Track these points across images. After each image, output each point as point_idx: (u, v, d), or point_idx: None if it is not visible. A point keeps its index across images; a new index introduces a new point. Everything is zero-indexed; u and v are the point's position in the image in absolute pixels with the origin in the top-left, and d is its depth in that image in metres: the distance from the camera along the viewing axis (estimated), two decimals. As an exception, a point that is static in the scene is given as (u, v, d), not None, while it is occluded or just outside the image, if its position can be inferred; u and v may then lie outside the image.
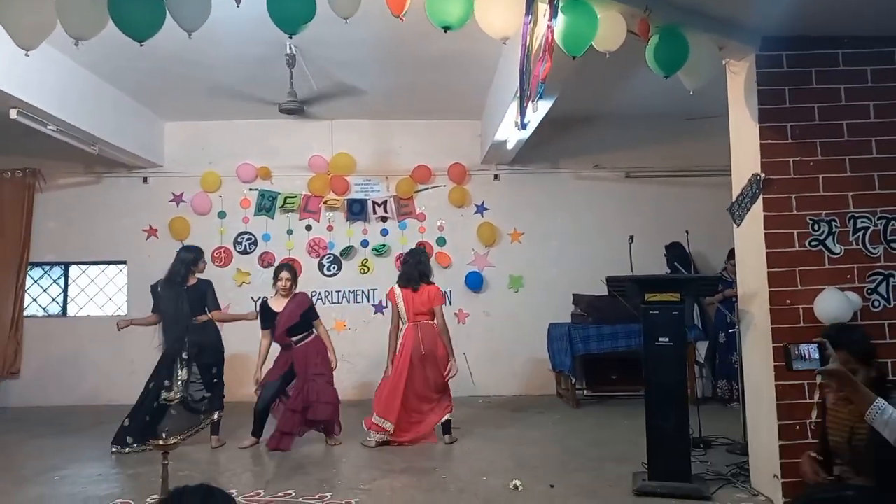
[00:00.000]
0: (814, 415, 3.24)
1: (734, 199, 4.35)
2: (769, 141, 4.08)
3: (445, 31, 3.50)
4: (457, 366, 5.68)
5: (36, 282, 8.19)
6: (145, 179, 8.17)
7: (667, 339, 4.14)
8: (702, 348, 7.47)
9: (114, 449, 5.40)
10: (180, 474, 4.54)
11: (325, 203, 8.12)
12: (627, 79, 6.37)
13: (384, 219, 8.18)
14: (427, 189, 8.25)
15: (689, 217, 7.52)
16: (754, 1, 3.74)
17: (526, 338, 7.97)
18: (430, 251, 7.83)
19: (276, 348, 5.81)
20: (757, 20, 3.94)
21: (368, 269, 8.15)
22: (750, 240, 4.23)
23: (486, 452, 5.31)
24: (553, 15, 3.39)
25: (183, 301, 5.57)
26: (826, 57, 4.11)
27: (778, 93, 4.10)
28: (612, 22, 3.68)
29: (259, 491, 4.35)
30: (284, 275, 5.72)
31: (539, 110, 5.26)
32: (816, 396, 3.82)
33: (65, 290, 8.26)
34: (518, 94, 3.98)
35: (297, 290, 5.82)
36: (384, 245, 8.14)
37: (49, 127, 6.06)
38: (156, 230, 8.09)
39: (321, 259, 8.13)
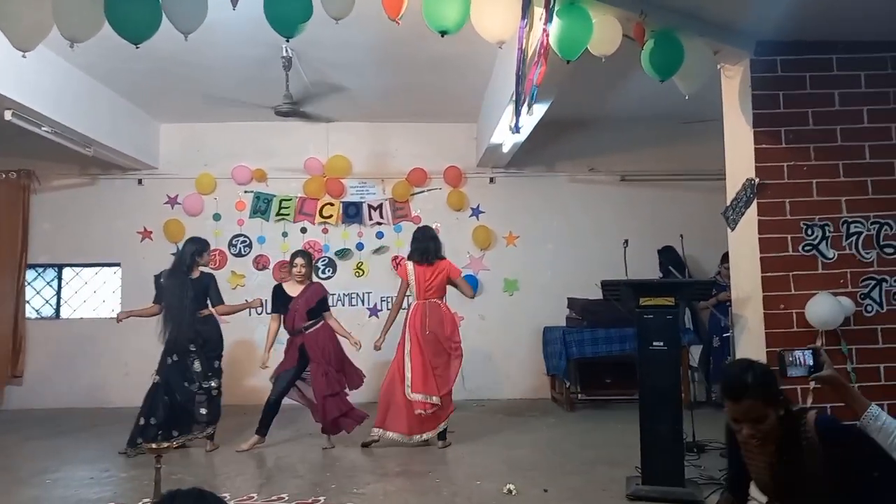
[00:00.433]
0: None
1: (728, 203, 4.37)
2: (763, 145, 4.10)
3: (442, 36, 3.50)
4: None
5: (29, 284, 8.14)
6: (140, 181, 8.14)
7: (661, 343, 4.14)
8: (695, 352, 7.48)
9: (128, 451, 5.32)
10: (173, 478, 4.52)
11: (320, 214, 8.11)
12: (622, 82, 6.39)
13: (379, 223, 8.18)
14: (423, 192, 8.26)
15: (683, 221, 7.50)
16: (749, 6, 3.75)
17: (520, 341, 7.98)
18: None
19: (280, 341, 5.77)
20: (752, 25, 3.96)
21: (363, 271, 8.14)
22: (744, 244, 4.24)
23: (480, 456, 5.30)
24: (548, 19, 3.40)
25: (188, 290, 5.54)
26: (820, 62, 4.13)
27: (772, 97, 4.11)
28: (608, 26, 3.69)
29: (252, 495, 4.33)
30: (300, 260, 5.73)
31: (534, 114, 5.27)
32: (809, 402, 3.85)
33: (58, 293, 8.23)
34: (514, 98, 3.99)
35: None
36: (380, 247, 8.14)
37: (44, 128, 6.05)
38: (150, 232, 8.06)
39: (316, 262, 8.11)
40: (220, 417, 5.63)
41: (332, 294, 8.06)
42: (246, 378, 7.34)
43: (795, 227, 4.05)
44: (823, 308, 3.86)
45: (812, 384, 3.39)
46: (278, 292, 5.76)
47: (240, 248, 8.11)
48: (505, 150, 7.25)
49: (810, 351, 2.49)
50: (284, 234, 8.14)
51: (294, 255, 5.85)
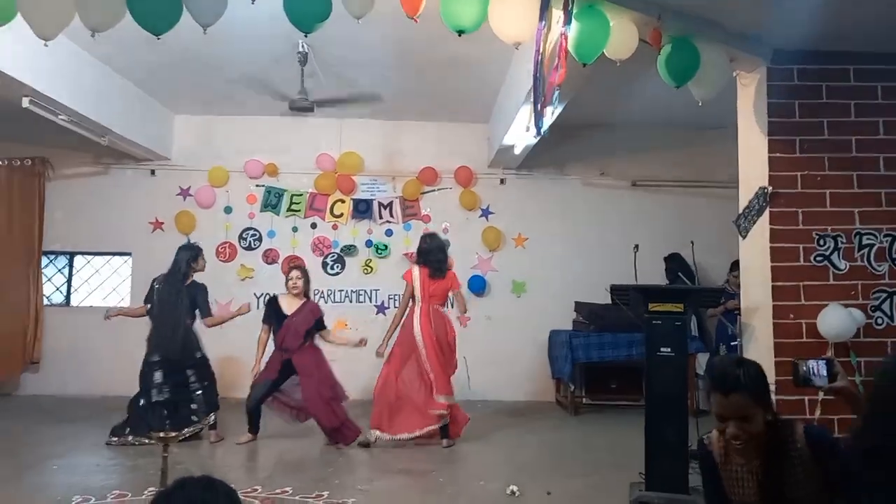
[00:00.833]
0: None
1: (740, 211, 4.35)
2: (777, 154, 4.08)
3: (459, 35, 3.51)
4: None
5: (41, 271, 8.21)
6: (153, 172, 8.18)
7: (669, 350, 4.12)
8: (702, 360, 7.45)
9: (113, 440, 5.40)
10: (177, 468, 4.51)
11: (331, 212, 8.14)
12: (637, 87, 6.36)
13: (389, 221, 8.20)
14: (433, 191, 8.27)
15: (693, 228, 7.48)
16: (767, 14, 3.74)
17: (526, 343, 7.97)
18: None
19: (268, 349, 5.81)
20: (769, 33, 3.95)
21: (372, 269, 8.16)
22: (755, 253, 4.22)
23: (483, 457, 5.31)
24: (567, 21, 3.41)
25: (182, 297, 5.62)
26: (837, 72, 4.12)
27: (788, 106, 4.10)
28: (625, 30, 3.70)
29: (256, 487, 4.35)
30: (295, 273, 5.78)
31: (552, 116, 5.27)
32: (817, 413, 3.83)
33: (69, 280, 8.28)
34: (531, 100, 3.99)
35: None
36: (386, 245, 8.16)
37: (60, 117, 6.09)
38: (161, 223, 8.10)
39: (325, 258, 8.14)
40: (218, 406, 5.69)
41: (341, 290, 8.15)
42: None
43: (808, 237, 4.04)
44: (836, 320, 3.84)
45: (821, 395, 3.37)
46: (273, 304, 5.80)
47: (250, 242, 8.14)
48: (517, 151, 7.25)
49: (824, 361, 2.47)
50: (294, 229, 8.16)
51: (290, 268, 5.90)
